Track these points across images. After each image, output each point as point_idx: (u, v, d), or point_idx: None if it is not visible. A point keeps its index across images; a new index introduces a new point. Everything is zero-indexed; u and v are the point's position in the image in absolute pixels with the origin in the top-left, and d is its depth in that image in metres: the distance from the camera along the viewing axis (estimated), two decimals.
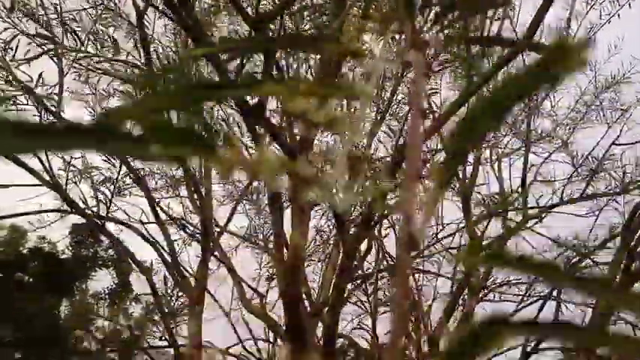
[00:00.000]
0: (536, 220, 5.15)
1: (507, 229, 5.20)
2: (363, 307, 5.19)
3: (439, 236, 5.92)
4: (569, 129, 5.94)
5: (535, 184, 5.67)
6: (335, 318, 2.44)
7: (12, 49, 3.27)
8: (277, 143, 2.32)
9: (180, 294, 5.07)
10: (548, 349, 4.92)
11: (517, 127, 5.95)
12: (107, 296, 10.34)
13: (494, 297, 5.59)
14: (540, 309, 4.94)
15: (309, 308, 3.18)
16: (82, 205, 3.78)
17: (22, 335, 7.97)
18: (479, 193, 5.52)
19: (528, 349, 4.89)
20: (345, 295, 3.80)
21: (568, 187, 5.29)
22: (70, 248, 10.73)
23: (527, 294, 5.30)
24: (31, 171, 2.99)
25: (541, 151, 5.94)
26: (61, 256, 10.62)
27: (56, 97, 3.86)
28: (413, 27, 0.57)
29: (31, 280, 9.76)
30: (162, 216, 4.95)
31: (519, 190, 5.43)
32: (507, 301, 5.38)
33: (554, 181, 5.44)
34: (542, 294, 5.22)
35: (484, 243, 5.03)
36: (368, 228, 2.61)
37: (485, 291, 5.30)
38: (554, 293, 5.01)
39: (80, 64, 3.97)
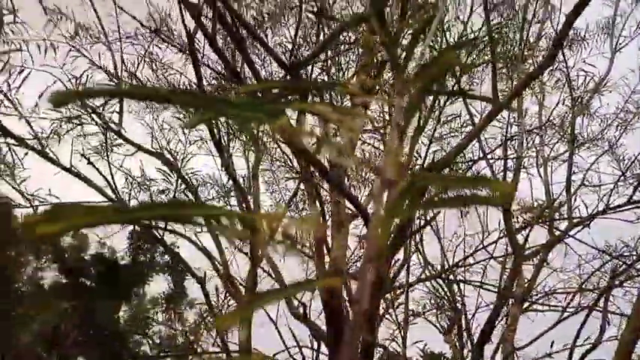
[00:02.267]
0: (581, 227, 5.07)
1: (552, 236, 5.16)
2: (390, 317, 5.20)
3: (484, 243, 5.94)
4: (618, 130, 5.81)
5: (581, 188, 5.59)
6: (372, 328, 2.58)
7: (77, 77, 3.61)
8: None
9: (230, 301, 5.33)
10: None
11: (564, 129, 5.88)
12: (163, 301, 10.83)
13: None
14: (585, 320, 4.86)
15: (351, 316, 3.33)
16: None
17: (86, 337, 8.50)
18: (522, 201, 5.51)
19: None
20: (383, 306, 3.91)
21: (615, 192, 5.20)
22: (129, 254, 11.33)
23: (569, 305, 5.21)
24: (97, 188, 3.30)
25: (588, 155, 5.86)
26: (121, 261, 11.22)
27: (117, 117, 4.21)
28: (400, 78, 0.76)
29: (93, 284, 10.37)
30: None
31: (564, 195, 5.37)
32: (551, 310, 5.31)
33: (600, 185, 5.34)
34: (586, 305, 5.12)
35: (527, 252, 5.00)
36: (403, 238, 2.75)
37: (530, 301, 5.25)
38: (600, 304, 4.92)
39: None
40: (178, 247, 8.61)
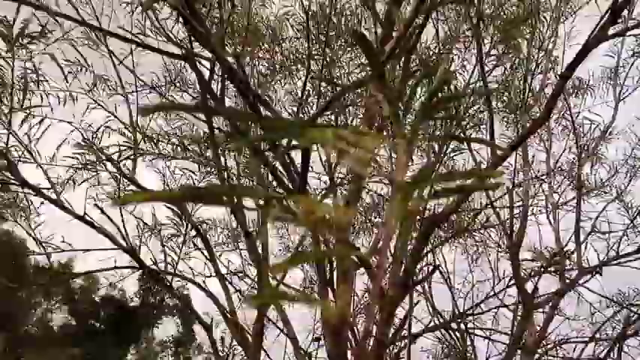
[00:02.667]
0: (592, 275, 5.03)
1: (562, 284, 5.11)
2: None
3: (495, 290, 5.90)
4: (627, 177, 5.83)
5: (591, 235, 5.57)
6: None
7: (95, 129, 3.76)
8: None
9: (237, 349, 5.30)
10: None
11: (572, 175, 5.92)
12: (172, 345, 10.76)
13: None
14: None
15: None
16: (150, 262, 4.16)
17: None
18: (532, 249, 5.50)
19: None
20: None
21: (624, 239, 5.18)
22: (139, 296, 11.35)
23: (581, 355, 5.11)
24: (109, 236, 3.38)
25: (597, 202, 5.86)
26: (130, 303, 11.23)
27: (131, 163, 4.34)
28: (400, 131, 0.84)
29: (102, 327, 10.37)
30: (223, 269, 5.29)
31: (572, 241, 5.35)
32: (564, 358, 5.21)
33: (610, 232, 5.33)
34: (599, 355, 5.03)
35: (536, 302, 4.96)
36: (406, 290, 2.77)
37: (542, 350, 5.16)
38: (614, 354, 4.83)
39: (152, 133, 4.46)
40: (188, 289, 8.63)
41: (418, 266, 4.98)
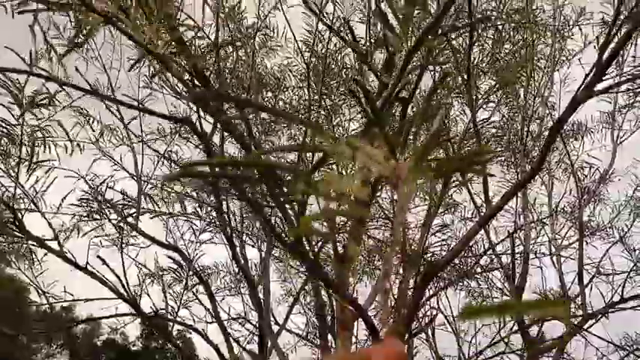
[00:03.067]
0: (597, 319, 4.98)
1: (568, 329, 5.05)
2: None
3: (501, 334, 5.82)
4: (630, 218, 5.83)
5: (596, 278, 5.53)
6: None
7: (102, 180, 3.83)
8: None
9: None
10: None
11: (574, 217, 5.92)
12: None
13: None
14: None
15: None
16: (151, 309, 4.17)
17: None
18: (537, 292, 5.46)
19: None
20: None
21: (629, 282, 5.14)
22: (141, 340, 11.23)
23: None
24: (109, 287, 3.41)
25: (600, 244, 5.84)
26: (132, 347, 11.10)
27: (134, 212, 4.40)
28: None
29: None
30: (224, 315, 5.28)
31: (575, 283, 5.31)
32: None
33: (614, 274, 5.29)
34: None
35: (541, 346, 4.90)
36: (406, 340, 2.77)
37: None
38: None
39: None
40: (190, 333, 8.53)
41: (421, 313, 4.96)
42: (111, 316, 4.14)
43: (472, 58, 3.28)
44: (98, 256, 3.31)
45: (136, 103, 2.72)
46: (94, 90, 2.80)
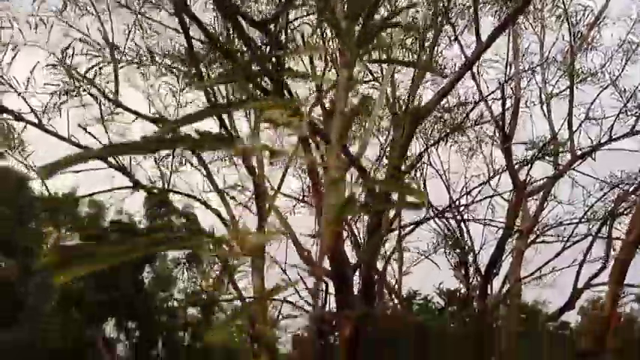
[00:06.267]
0: (584, 159, 5.09)
1: (556, 170, 5.18)
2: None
3: (490, 183, 6.01)
4: (622, 62, 5.70)
5: (585, 124, 5.55)
6: (370, 270, 2.72)
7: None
8: None
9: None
10: None
11: (565, 64, 5.78)
12: (185, 261, 11.19)
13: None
14: (589, 246, 4.98)
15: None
16: (146, 182, 4.22)
17: (113, 299, 8.86)
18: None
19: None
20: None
21: (618, 122, 5.16)
22: (146, 219, 11.63)
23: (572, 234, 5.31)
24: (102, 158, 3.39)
25: (592, 88, 5.78)
26: (139, 225, 11.55)
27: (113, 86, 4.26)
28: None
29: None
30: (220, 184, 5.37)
31: (565, 129, 5.35)
32: (557, 241, 5.42)
33: (603, 118, 5.30)
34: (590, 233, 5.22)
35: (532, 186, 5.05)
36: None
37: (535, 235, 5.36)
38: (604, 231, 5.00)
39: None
40: (193, 208, 8.80)
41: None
42: (110, 190, 4.20)
43: None
44: (79, 125, 3.26)
45: None
46: None
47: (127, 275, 10.02)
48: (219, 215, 4.97)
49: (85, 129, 3.21)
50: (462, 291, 6.21)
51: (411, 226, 5.45)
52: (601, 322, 3.34)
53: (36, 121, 3.05)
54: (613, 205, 5.13)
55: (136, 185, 3.75)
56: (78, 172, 3.60)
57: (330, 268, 3.10)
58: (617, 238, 4.93)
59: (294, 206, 6.52)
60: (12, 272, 9.36)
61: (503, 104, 4.68)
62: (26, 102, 3.14)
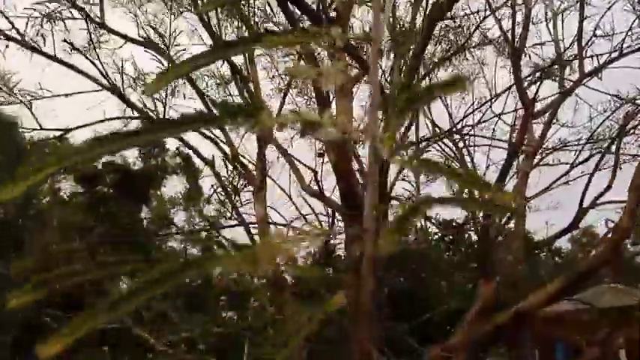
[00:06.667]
0: (591, 76, 4.92)
1: (562, 89, 5.02)
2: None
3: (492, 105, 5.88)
4: None
5: (594, 42, 5.34)
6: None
7: None
8: None
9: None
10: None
11: None
12: (181, 200, 11.14)
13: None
14: (598, 163, 4.91)
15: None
16: (140, 106, 4.02)
17: (112, 237, 8.84)
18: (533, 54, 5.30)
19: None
20: None
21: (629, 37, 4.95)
22: (140, 159, 11.46)
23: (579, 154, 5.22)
24: (91, 77, 3.20)
25: (601, 3, 5.51)
26: (133, 167, 11.40)
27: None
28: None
29: (111, 191, 10.60)
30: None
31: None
32: (562, 164, 5.35)
33: (613, 34, 5.08)
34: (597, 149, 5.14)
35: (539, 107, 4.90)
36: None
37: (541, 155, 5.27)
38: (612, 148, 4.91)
39: None
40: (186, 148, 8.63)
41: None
42: (103, 121, 4.01)
43: None
44: (65, 40, 3.04)
45: None
46: None
47: (126, 214, 9.98)
48: (216, 143, 4.84)
49: (72, 44, 2.99)
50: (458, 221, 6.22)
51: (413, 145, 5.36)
52: (620, 232, 3.29)
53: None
54: (622, 121, 5.01)
55: (133, 109, 3.57)
56: (67, 95, 3.42)
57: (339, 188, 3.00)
58: (625, 154, 4.85)
59: (292, 137, 6.38)
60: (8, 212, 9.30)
61: (514, 17, 4.45)
62: (8, 20, 2.91)
